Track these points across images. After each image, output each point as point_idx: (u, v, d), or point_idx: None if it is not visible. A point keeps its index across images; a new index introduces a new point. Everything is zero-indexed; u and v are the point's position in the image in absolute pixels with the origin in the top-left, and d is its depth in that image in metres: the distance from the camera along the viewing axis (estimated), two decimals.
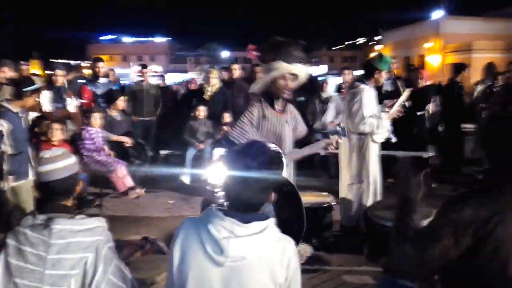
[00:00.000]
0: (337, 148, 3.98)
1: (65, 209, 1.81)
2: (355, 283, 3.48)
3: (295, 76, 3.05)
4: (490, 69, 7.04)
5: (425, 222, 1.78)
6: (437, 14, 28.76)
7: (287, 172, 3.20)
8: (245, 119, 3.13)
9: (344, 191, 4.47)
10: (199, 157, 6.45)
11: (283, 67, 2.99)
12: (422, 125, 6.10)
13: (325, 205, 4.09)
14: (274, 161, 1.60)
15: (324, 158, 6.71)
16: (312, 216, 4.00)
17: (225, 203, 1.62)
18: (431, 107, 6.14)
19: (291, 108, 3.36)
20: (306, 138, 3.63)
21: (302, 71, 3.06)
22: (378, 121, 4.21)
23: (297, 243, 2.74)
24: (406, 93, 4.67)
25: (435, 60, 26.77)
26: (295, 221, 2.78)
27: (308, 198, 4.20)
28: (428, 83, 6.96)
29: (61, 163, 1.82)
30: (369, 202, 4.29)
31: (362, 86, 4.26)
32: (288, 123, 3.21)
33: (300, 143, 3.52)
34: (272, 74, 3.04)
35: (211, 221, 1.51)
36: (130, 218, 5.10)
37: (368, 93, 4.23)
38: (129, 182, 5.54)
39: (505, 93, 5.51)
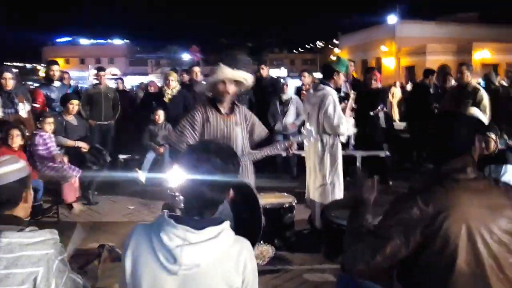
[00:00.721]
0: (301, 149, 4.02)
1: (14, 220, 1.71)
2: (316, 281, 3.52)
3: (237, 81, 3.06)
4: (443, 70, 7.37)
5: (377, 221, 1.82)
6: (392, 18, 29.75)
7: (244, 173, 3.21)
8: (186, 123, 3.14)
9: (317, 192, 4.40)
10: (159, 161, 6.36)
11: (224, 71, 3.00)
12: (375, 125, 6.22)
13: (286, 205, 4.13)
14: (232, 158, 1.60)
15: (286, 159, 6.79)
16: (273, 217, 4.04)
17: (183, 206, 1.59)
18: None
19: (243, 110, 3.35)
20: (267, 139, 3.64)
21: (245, 76, 3.07)
22: (348, 122, 4.31)
23: (255, 242, 2.77)
24: (352, 96, 4.83)
25: (390, 63, 27.69)
26: (254, 221, 2.79)
27: (269, 199, 4.24)
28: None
29: (4, 168, 1.72)
30: None
31: (329, 88, 4.28)
32: (239, 125, 3.20)
33: (260, 145, 3.53)
34: (213, 78, 3.07)
35: (163, 229, 1.47)
36: (88, 225, 4.95)
37: (335, 95, 4.29)
38: (76, 193, 5.39)
39: (457, 93, 5.75)
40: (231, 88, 3.07)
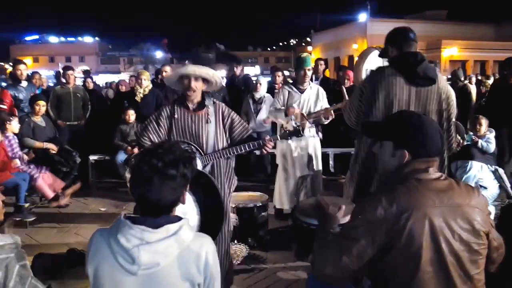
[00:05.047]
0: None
1: None
2: (289, 279, 3.54)
3: (200, 78, 3.02)
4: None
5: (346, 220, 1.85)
6: (363, 16, 30.17)
7: (217, 171, 3.17)
8: (152, 118, 3.14)
9: None
10: (131, 162, 6.25)
11: (187, 67, 2.98)
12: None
13: (259, 204, 4.13)
14: (181, 160, 1.53)
15: (260, 158, 6.78)
16: (247, 216, 4.05)
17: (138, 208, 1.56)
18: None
19: (220, 108, 3.24)
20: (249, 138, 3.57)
21: (209, 73, 3.02)
22: (278, 112, 4.61)
23: (217, 233, 2.77)
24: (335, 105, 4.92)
25: None
26: (215, 211, 2.77)
27: (242, 198, 4.24)
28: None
29: None
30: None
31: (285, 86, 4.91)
32: (211, 123, 3.14)
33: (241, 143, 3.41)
34: (175, 73, 3.07)
35: (120, 230, 1.48)
36: (58, 228, 4.84)
37: (285, 90, 4.79)
38: (59, 185, 5.39)
39: None
40: (195, 84, 3.02)
